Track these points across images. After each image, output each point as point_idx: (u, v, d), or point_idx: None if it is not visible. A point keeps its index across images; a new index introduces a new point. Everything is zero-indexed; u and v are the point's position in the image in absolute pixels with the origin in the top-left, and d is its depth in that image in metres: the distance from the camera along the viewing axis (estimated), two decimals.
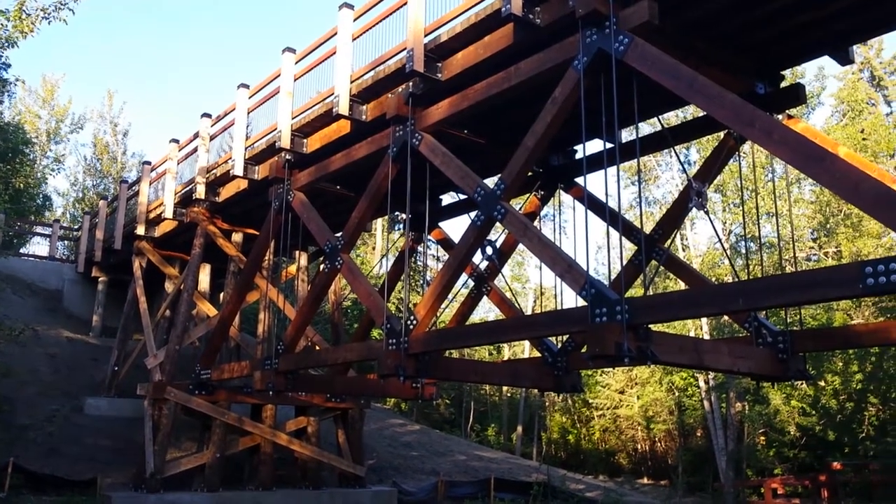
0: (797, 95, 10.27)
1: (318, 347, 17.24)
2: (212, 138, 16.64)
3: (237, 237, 17.83)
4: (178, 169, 18.10)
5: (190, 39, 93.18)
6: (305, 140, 13.45)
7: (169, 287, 19.86)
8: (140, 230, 19.52)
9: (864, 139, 28.49)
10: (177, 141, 18.32)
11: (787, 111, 10.40)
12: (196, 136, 17.05)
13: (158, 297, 22.72)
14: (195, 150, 17.12)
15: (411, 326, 10.16)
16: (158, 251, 20.22)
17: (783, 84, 10.54)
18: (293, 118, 13.28)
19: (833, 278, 6.25)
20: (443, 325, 20.24)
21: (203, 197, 16.36)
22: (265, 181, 14.54)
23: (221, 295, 22.45)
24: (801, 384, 23.36)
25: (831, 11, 8.98)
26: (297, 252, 18.46)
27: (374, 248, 41.37)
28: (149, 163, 20.84)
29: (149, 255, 20.06)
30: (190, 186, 17.15)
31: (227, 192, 16.34)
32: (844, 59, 10.26)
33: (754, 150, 11.75)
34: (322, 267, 13.12)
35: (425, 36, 10.36)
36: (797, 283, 6.48)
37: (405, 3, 10.72)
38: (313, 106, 12.87)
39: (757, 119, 7.03)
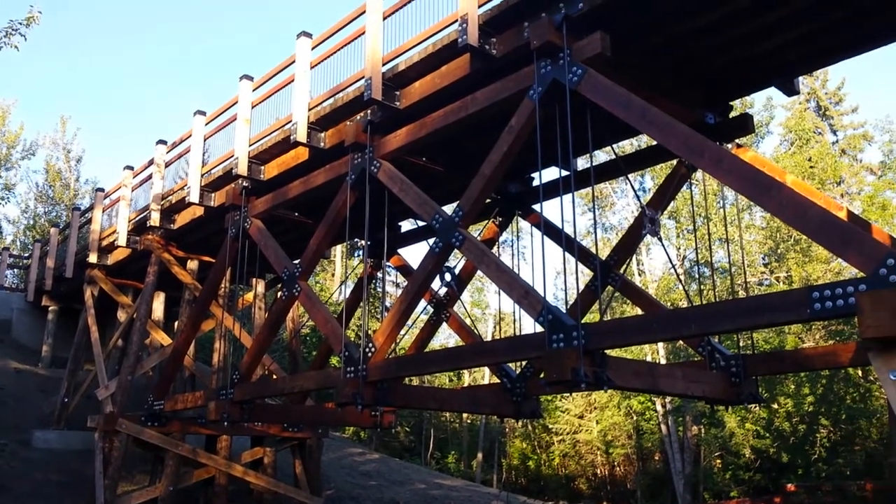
0: (745, 125, 10.59)
1: (275, 376, 17.00)
2: (167, 165, 16.44)
3: (192, 265, 17.58)
4: (132, 196, 17.83)
5: (148, 65, 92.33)
6: (263, 167, 13.38)
7: (122, 316, 19.43)
8: (92, 258, 19.12)
9: (811, 167, 29.40)
10: (131, 168, 18.07)
11: (736, 140, 10.70)
12: (151, 162, 16.84)
13: (111, 326, 22.21)
14: (150, 176, 16.89)
15: (370, 354, 10.12)
16: (111, 279, 19.81)
17: (732, 114, 10.86)
18: (251, 145, 13.22)
19: (782, 303, 6.42)
20: (402, 353, 20.12)
21: (158, 224, 16.12)
22: (221, 208, 14.40)
23: (176, 324, 22.04)
24: (755, 407, 23.76)
25: (777, 44, 9.31)
26: (253, 279, 18.26)
27: (333, 275, 41.13)
28: (102, 190, 20.49)
29: (101, 283, 19.64)
30: (144, 213, 16.90)
31: (182, 219, 16.14)
32: (790, 90, 10.62)
33: (705, 177, 12.05)
34: (279, 294, 13.00)
35: (383, 65, 10.45)
36: (747, 308, 6.63)
37: (363, 33, 10.81)
38: (271, 133, 12.84)
39: (706, 148, 7.23)
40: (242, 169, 13.08)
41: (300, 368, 18.42)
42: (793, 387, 23.52)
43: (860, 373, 22.79)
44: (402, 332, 11.03)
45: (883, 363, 5.54)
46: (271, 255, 12.71)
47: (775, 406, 24.07)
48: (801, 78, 10.59)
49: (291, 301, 12.60)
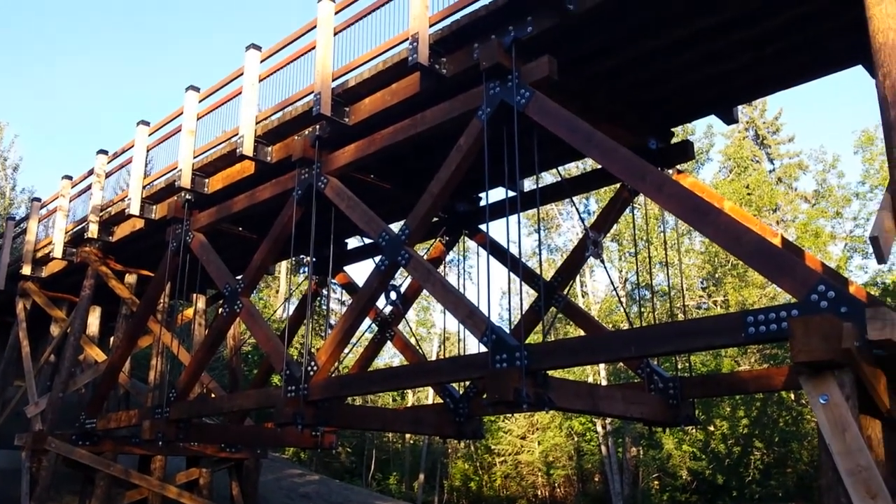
0: (686, 151, 10.87)
1: (213, 395, 16.61)
2: (108, 175, 16.02)
3: (131, 279, 17.12)
4: (70, 206, 17.29)
5: (88, 73, 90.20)
6: (207, 180, 13.15)
7: (55, 330, 18.76)
8: (26, 270, 18.43)
9: (749, 194, 30.32)
10: (70, 177, 17.55)
11: (677, 166, 10.97)
12: (91, 172, 16.39)
13: (43, 341, 21.39)
14: (89, 187, 16.43)
15: (312, 373, 9.98)
16: (45, 292, 19.12)
17: (673, 140, 11.15)
18: (195, 157, 12.98)
19: (718, 327, 6.57)
20: (345, 372, 19.91)
21: (95, 236, 15.66)
22: (163, 221, 14.09)
23: (112, 339, 21.39)
24: (693, 429, 24.23)
25: (715, 74, 9.62)
26: (194, 295, 17.87)
27: (277, 292, 40.55)
28: (39, 199, 19.81)
29: (34, 296, 18.94)
30: (82, 225, 16.41)
31: (121, 231, 15.72)
32: (729, 118, 10.96)
33: (647, 201, 12.32)
34: (221, 310, 12.75)
35: (333, 80, 10.42)
36: (685, 332, 6.77)
37: (313, 48, 10.77)
38: (217, 146, 12.65)
39: (648, 173, 7.40)
40: (186, 181, 12.84)
41: (240, 387, 18.05)
42: (728, 409, 24.07)
43: (793, 396, 23.46)
44: (346, 350, 10.91)
45: (813, 387, 5.70)
46: (213, 270, 12.46)
47: (711, 428, 24.59)
48: (740, 107, 10.95)
49: (233, 318, 12.37)
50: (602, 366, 29.71)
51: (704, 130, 34.43)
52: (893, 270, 27.13)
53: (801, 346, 5.57)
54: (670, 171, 10.75)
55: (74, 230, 16.84)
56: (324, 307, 30.05)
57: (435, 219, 12.57)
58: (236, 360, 19.06)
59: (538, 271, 11.32)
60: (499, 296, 42.49)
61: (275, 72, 11.70)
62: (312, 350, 13.20)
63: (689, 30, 8.56)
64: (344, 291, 20.06)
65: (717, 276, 29.69)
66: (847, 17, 7.88)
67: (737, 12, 8.25)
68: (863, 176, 31.64)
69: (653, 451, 28.53)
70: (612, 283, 9.83)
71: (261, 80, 11.83)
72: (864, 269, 30.35)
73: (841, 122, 54.36)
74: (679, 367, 11.27)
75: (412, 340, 14.67)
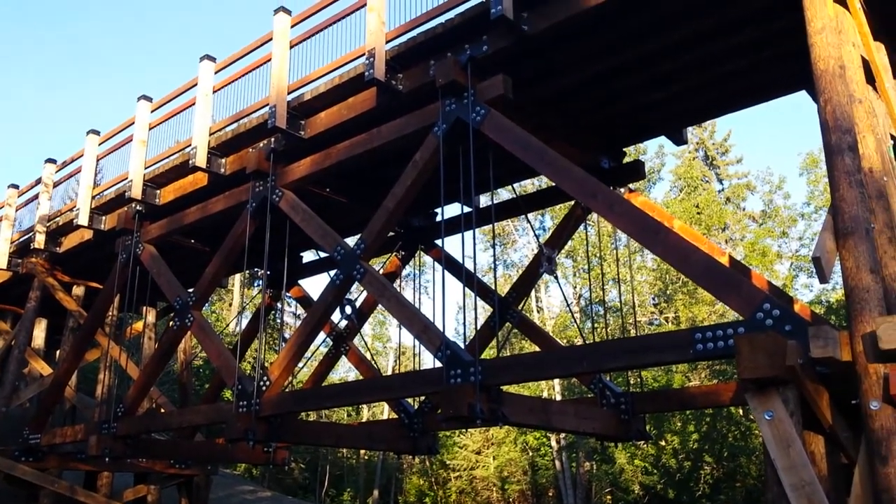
0: (637, 171, 11.08)
1: (163, 410, 16.27)
2: (56, 185, 15.65)
3: (78, 291, 16.70)
4: (15, 216, 16.81)
5: (39, 79, 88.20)
6: (159, 191, 12.94)
7: None
8: None
9: (698, 213, 30.98)
10: (16, 186, 17.08)
11: (629, 185, 11.17)
12: (39, 181, 16.00)
13: None
14: (37, 196, 16.02)
15: (264, 388, 9.86)
16: None
17: (626, 160, 11.35)
18: (146, 168, 12.77)
19: (667, 343, 6.70)
20: (299, 386, 19.69)
21: (42, 247, 15.26)
22: (112, 232, 13.80)
23: (58, 352, 20.81)
24: (644, 443, 24.54)
25: (665, 96, 9.86)
26: (144, 308, 17.51)
27: (230, 305, 39.97)
28: None
29: None
30: (28, 235, 15.98)
31: (69, 242, 15.35)
32: (679, 139, 11.23)
33: (600, 219, 12.51)
34: (171, 324, 12.52)
35: (289, 93, 10.37)
36: (635, 348, 6.89)
37: (269, 60, 10.71)
38: (169, 156, 12.46)
39: (600, 192, 7.53)
40: (137, 192, 12.61)
41: (190, 402, 17.70)
42: (679, 424, 24.44)
43: (741, 411, 23.95)
44: (300, 365, 10.81)
45: (759, 403, 5.84)
46: (164, 282, 12.25)
47: (663, 443, 24.93)
48: (690, 129, 11.23)
49: (183, 331, 12.16)
50: (556, 381, 29.92)
51: (656, 150, 35.19)
52: (837, 289, 27.97)
53: (747, 364, 5.71)
54: (622, 190, 10.94)
55: (20, 240, 16.40)
56: (278, 321, 29.73)
57: (391, 233, 12.57)
58: (187, 375, 18.70)
59: (493, 287, 11.38)
60: (455, 310, 42.60)
61: (229, 83, 11.60)
62: (265, 364, 13.05)
63: (636, 54, 8.79)
64: (298, 305, 19.88)
65: (668, 292, 30.21)
66: (791, 45, 8.14)
67: (682, 38, 8.50)
68: (808, 197, 32.64)
69: (605, 466, 28.79)
70: (565, 299, 10.02)
71: (215, 92, 11.72)
72: (809, 287, 31.24)
73: (787, 145, 56.08)
74: (631, 381, 11.39)
75: (367, 355, 14.60)
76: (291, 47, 10.50)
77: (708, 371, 25.84)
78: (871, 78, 7.12)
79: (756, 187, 35.89)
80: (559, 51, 8.84)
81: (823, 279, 5.82)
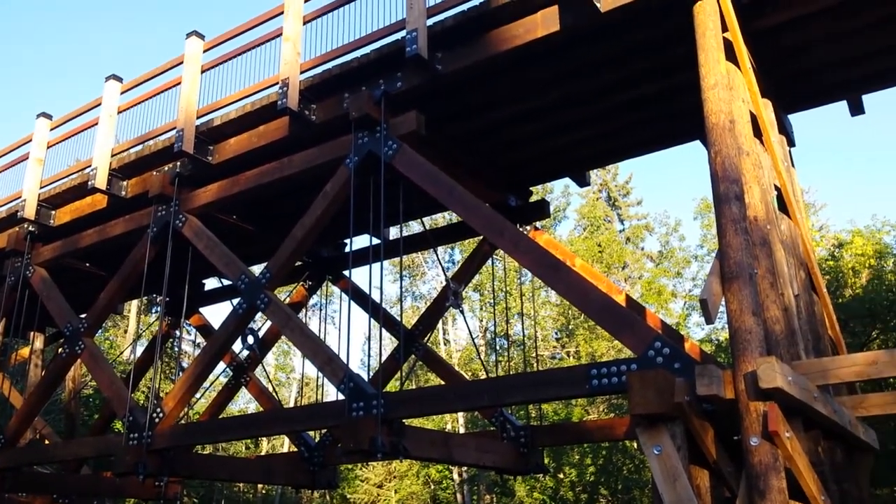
0: (543, 210, 11.44)
1: (47, 441, 15.37)
2: None
3: None
4: None
5: None
6: (54, 212, 12.39)
7: None
8: None
9: (600, 251, 32.03)
10: None
11: (534, 223, 11.50)
12: None
13: None
14: None
15: (157, 419, 9.52)
16: None
17: (532, 198, 11.71)
18: (42, 187, 12.22)
19: (565, 379, 6.92)
20: (196, 418, 19.03)
21: None
22: (1, 253, 13.08)
23: None
24: (544, 476, 24.88)
25: (568, 142, 10.30)
26: (32, 333, 16.58)
27: (125, 332, 38.29)
28: None
29: None
30: None
31: None
32: (582, 181, 11.68)
33: (506, 255, 12.80)
34: (60, 351, 11.93)
35: (198, 118, 10.21)
36: (535, 383, 7.08)
37: (178, 83, 10.53)
38: (67, 176, 11.98)
39: (506, 230, 7.74)
40: (30, 212, 12.04)
41: (77, 433, 16.81)
42: (577, 457, 24.92)
43: (636, 445, 24.58)
44: (197, 396, 10.50)
45: (648, 438, 6.09)
46: (54, 307, 11.68)
47: (561, 476, 25.34)
48: (595, 171, 11.71)
49: (73, 359, 11.62)
50: (460, 413, 30.02)
51: (562, 190, 36.26)
52: (726, 328, 29.32)
53: (638, 400, 5.96)
54: (528, 228, 11.26)
55: None
56: (175, 349, 28.70)
57: (298, 263, 12.45)
58: (75, 405, 17.74)
59: (399, 319, 11.44)
60: (362, 342, 42.25)
61: (136, 104, 11.32)
62: (160, 395, 12.58)
63: (540, 102, 9.19)
64: (198, 334, 19.27)
65: (570, 327, 30.95)
66: (686, 99, 8.65)
67: (583, 90, 8.95)
68: (701, 240, 34.29)
69: (505, 499, 28.96)
70: (469, 333, 10.20)
71: (120, 112, 11.40)
72: (700, 326, 32.67)
73: (684, 190, 58.88)
74: (532, 415, 11.65)
75: (269, 386, 14.30)
76: (203, 72, 10.36)
77: (606, 405, 26.55)
78: (758, 132, 7.66)
79: (654, 229, 37.48)
80: (470, 92, 9.11)
81: (709, 320, 6.16)
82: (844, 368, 6.62)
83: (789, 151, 9.21)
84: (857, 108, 9.52)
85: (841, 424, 7.02)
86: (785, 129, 9.10)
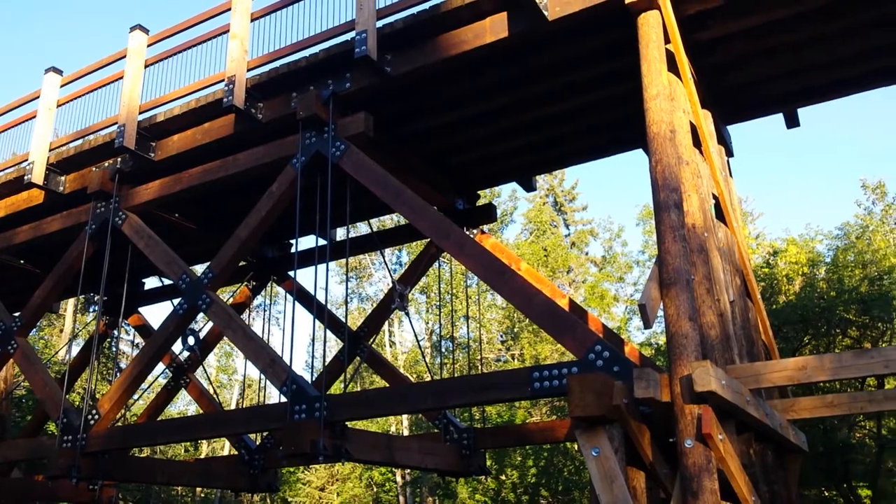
0: (490, 214, 11.52)
1: None
2: None
3: None
4: None
5: None
6: None
7: None
8: None
9: (546, 255, 32.38)
10: None
11: (481, 227, 11.58)
12: None
13: None
14: None
15: (92, 421, 9.28)
16: None
17: (479, 202, 11.79)
18: None
19: (507, 382, 6.99)
20: (133, 420, 18.58)
21: None
22: None
23: None
24: (486, 478, 25.03)
25: (513, 147, 10.42)
26: None
27: (61, 331, 37.13)
28: None
29: None
30: None
31: None
32: (528, 186, 11.81)
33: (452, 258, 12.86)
34: None
35: (141, 113, 10.00)
36: (477, 386, 7.12)
37: (121, 78, 10.29)
38: (3, 170, 11.59)
39: (452, 233, 7.79)
40: None
41: (8, 436, 16.24)
42: (519, 459, 25.13)
43: (576, 447, 24.95)
44: (135, 397, 10.26)
45: (587, 440, 6.20)
46: None
47: (503, 477, 25.51)
48: (542, 176, 11.87)
49: (5, 359, 11.24)
50: (404, 416, 29.99)
51: (510, 194, 36.55)
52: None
53: (578, 402, 6.06)
54: (475, 231, 11.33)
55: None
56: (112, 350, 27.97)
57: (242, 263, 12.29)
58: (6, 406, 17.15)
59: (345, 320, 11.37)
60: (307, 343, 41.83)
61: (76, 98, 11.02)
62: (96, 396, 12.25)
63: (487, 107, 9.29)
64: (137, 334, 18.82)
65: (515, 330, 31.21)
66: (630, 107, 8.84)
67: (528, 97, 9.07)
68: (643, 246, 34.99)
69: (448, 501, 29.02)
70: (415, 335, 10.23)
71: (59, 106, 11.09)
72: (640, 330, 33.32)
73: (627, 196, 59.99)
74: (476, 417, 11.72)
75: (210, 388, 14.06)
76: (146, 66, 10.15)
77: (549, 407, 26.85)
78: (697, 142, 7.87)
79: (598, 234, 38.07)
80: (420, 95, 9.14)
81: (648, 324, 6.30)
82: (776, 373, 6.85)
83: (727, 161, 9.49)
84: (792, 121, 9.87)
85: (772, 427, 7.26)
86: (724, 140, 9.38)
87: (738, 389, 6.44)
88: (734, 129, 10.22)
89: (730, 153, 9.68)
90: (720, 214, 8.23)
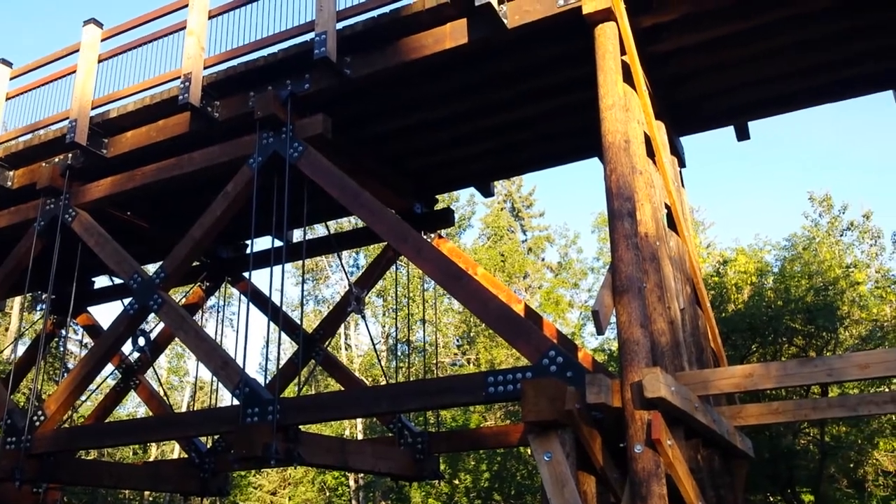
0: (448, 218, 11.56)
1: None
2: None
3: None
4: None
5: None
6: None
7: None
8: None
9: (503, 261, 32.58)
10: None
11: (439, 231, 11.61)
12: None
13: None
14: None
15: (38, 422, 9.05)
16: None
17: (438, 206, 11.82)
18: None
19: (462, 386, 7.03)
20: (81, 421, 18.16)
21: None
22: None
23: None
24: (439, 482, 25.07)
25: (471, 153, 10.50)
26: None
27: (7, 330, 36.07)
28: None
29: None
30: None
31: None
32: (486, 191, 11.89)
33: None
34: None
35: (93, 109, 9.81)
36: (432, 390, 7.14)
37: (73, 72, 10.08)
38: None
39: (410, 236, 7.80)
40: None
41: None
42: (473, 463, 25.20)
43: (529, 451, 25.08)
44: (83, 398, 10.04)
45: (539, 445, 6.26)
46: None
47: (457, 482, 25.55)
48: (500, 181, 11.97)
49: None
50: (359, 419, 29.84)
51: (468, 199, 36.69)
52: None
53: (531, 407, 6.11)
54: (433, 235, 11.35)
55: None
56: (60, 349, 27.32)
57: (196, 263, 12.12)
58: None
59: (300, 323, 11.30)
60: (262, 345, 41.35)
61: (27, 91, 10.77)
62: (42, 397, 11.95)
63: (447, 112, 9.34)
64: (86, 333, 18.43)
65: (471, 335, 31.31)
66: (587, 116, 8.96)
67: (485, 104, 9.15)
68: (598, 253, 35.42)
69: None
70: (371, 338, 10.23)
71: (9, 99, 10.82)
72: (594, 336, 33.73)
73: (583, 203, 60.70)
74: (431, 421, 11.73)
75: (160, 390, 13.82)
76: (100, 61, 9.97)
77: (503, 412, 26.99)
78: (651, 152, 8.02)
79: (555, 240, 38.45)
80: (379, 98, 9.14)
81: (600, 331, 6.39)
82: (724, 380, 7.01)
83: (680, 172, 9.69)
84: (743, 134, 10.12)
85: (719, 433, 7.41)
86: (676, 151, 9.57)
87: (687, 396, 6.57)
88: (687, 140, 10.43)
89: (682, 164, 9.88)
90: (672, 224, 8.39)
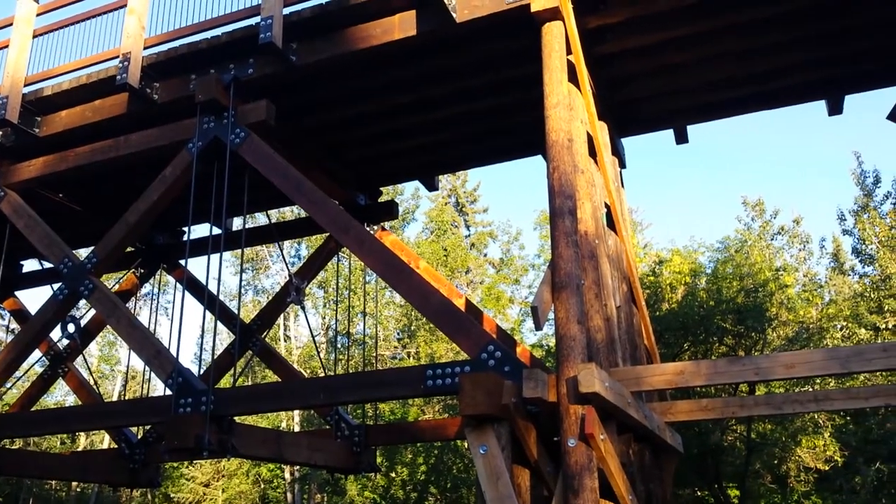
0: (391, 211, 11.52)
1: None
2: None
3: None
4: None
5: None
6: None
7: None
8: None
9: (446, 255, 32.67)
10: None
11: (382, 223, 11.57)
12: None
13: None
14: None
15: None
16: None
17: (382, 199, 11.77)
18: None
19: (400, 379, 7.02)
20: (5, 410, 17.52)
21: None
22: None
23: None
24: (376, 475, 25.03)
25: (414, 146, 10.50)
26: None
27: None
28: None
29: None
30: None
31: None
32: (431, 185, 11.90)
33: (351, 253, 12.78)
34: None
35: (26, 86, 9.46)
36: (370, 382, 7.13)
37: (5, 47, 9.69)
38: None
39: (352, 228, 7.74)
40: None
41: None
42: (410, 456, 25.24)
43: (466, 444, 25.26)
44: (8, 385, 9.68)
45: (475, 438, 6.31)
46: None
47: (393, 475, 25.57)
48: (445, 176, 11.98)
49: None
50: (296, 411, 29.55)
51: (412, 192, 36.64)
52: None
53: (468, 401, 6.15)
54: (376, 228, 11.31)
55: None
56: None
57: (130, 249, 11.80)
58: None
59: (237, 312, 11.13)
60: (198, 335, 40.52)
61: None
62: None
63: (391, 104, 9.30)
64: (13, 318, 17.75)
65: (412, 328, 31.32)
66: (532, 113, 9.05)
67: (428, 98, 9.15)
68: (539, 250, 35.86)
69: (337, 498, 28.80)
70: (310, 330, 10.16)
71: None
72: (532, 331, 34.10)
73: (526, 200, 61.27)
74: (369, 414, 11.68)
75: (90, 378, 13.42)
76: (35, 37, 9.61)
77: (442, 405, 27.09)
78: (593, 152, 8.15)
79: (497, 236, 38.72)
80: (325, 87, 9.04)
81: (539, 326, 6.48)
82: (656, 377, 7.19)
83: (620, 172, 9.87)
84: (682, 137, 10.36)
85: (651, 429, 7.60)
86: (617, 151, 9.75)
87: (621, 391, 6.71)
88: (628, 142, 10.62)
89: (623, 164, 10.06)
90: (611, 223, 8.54)
